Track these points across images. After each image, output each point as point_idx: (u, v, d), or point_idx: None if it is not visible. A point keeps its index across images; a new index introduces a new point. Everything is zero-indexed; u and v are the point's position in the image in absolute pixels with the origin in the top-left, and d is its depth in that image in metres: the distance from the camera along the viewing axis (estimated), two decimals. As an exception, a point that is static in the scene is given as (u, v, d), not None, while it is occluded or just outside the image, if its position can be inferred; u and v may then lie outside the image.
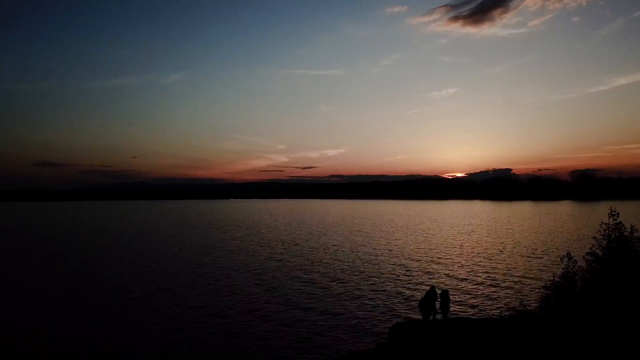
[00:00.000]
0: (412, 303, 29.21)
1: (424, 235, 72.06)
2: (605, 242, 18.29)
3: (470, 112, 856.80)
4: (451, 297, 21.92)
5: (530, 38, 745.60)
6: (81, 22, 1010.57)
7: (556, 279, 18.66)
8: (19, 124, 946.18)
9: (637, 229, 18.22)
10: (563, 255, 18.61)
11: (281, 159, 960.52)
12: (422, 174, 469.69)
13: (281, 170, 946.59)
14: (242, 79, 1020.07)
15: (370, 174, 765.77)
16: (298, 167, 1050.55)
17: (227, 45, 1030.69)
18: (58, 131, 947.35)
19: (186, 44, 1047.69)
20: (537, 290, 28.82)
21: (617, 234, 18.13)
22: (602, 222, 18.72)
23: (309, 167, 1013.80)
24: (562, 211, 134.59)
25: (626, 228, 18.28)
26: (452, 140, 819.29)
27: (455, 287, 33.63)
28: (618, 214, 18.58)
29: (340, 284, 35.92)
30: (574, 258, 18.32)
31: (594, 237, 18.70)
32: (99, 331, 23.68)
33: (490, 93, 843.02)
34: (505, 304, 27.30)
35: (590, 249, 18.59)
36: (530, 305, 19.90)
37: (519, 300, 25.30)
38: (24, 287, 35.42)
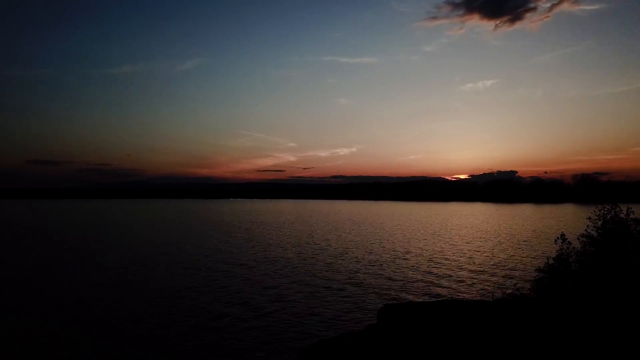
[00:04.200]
0: (402, 285, 28.95)
1: (417, 227, 71.48)
2: (600, 222, 17.85)
3: (503, 108, 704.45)
4: (443, 281, 21.50)
5: (597, 19, 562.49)
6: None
7: (550, 261, 18.21)
8: (11, 116, 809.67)
9: (633, 211, 17.80)
10: (557, 237, 18.16)
11: (289, 158, 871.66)
12: (428, 175, 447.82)
13: (282, 170, 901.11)
14: (262, 67, 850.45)
15: (373, 174, 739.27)
16: (299, 168, 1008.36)
17: (253, 27, 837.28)
18: (53, 125, 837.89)
19: (204, 25, 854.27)
20: (532, 274, 28.52)
21: (613, 214, 17.71)
22: (597, 204, 18.27)
23: (308, 168, 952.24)
24: (562, 213, 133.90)
25: (622, 210, 17.85)
26: (472, 139, 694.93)
27: (449, 272, 33.35)
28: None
29: (329, 268, 35.80)
30: (568, 239, 17.86)
31: (589, 218, 18.24)
32: (121, 329, 22.84)
33: (531, 85, 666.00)
34: (498, 288, 26.90)
35: (586, 230, 18.13)
36: (524, 288, 19.42)
37: (513, 284, 24.88)
38: (28, 286, 35.07)
